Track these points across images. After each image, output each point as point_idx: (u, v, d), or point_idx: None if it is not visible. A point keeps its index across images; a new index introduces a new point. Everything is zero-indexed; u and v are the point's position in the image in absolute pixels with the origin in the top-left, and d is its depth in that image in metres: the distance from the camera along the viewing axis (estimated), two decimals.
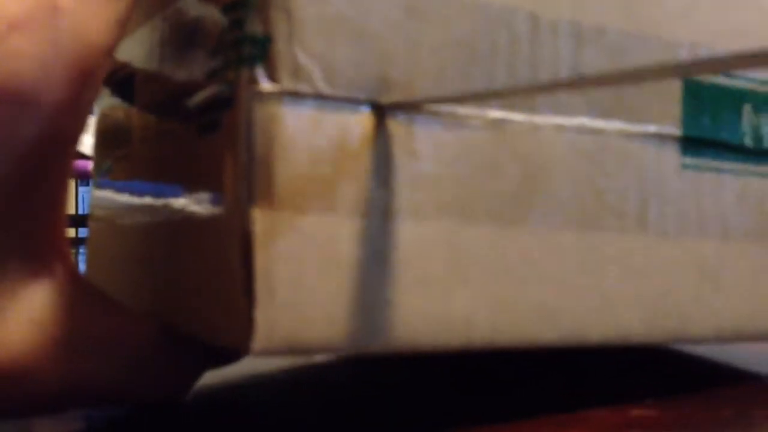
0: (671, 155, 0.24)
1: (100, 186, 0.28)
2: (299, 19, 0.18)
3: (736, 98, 0.25)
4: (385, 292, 0.19)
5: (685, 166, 0.24)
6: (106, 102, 0.28)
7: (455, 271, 0.20)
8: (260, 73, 0.18)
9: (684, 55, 0.24)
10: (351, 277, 0.19)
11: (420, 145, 0.20)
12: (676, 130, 0.24)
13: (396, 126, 0.20)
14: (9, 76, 0.17)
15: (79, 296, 0.20)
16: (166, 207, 0.22)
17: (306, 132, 0.18)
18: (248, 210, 0.18)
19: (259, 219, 0.18)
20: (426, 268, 0.20)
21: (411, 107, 0.20)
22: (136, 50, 0.25)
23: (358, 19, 0.19)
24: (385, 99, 0.19)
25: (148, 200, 0.24)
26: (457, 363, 0.32)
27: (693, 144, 0.24)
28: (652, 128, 0.23)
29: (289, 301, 0.18)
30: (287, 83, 0.18)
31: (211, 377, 0.24)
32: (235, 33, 0.19)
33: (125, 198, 0.25)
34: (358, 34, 0.19)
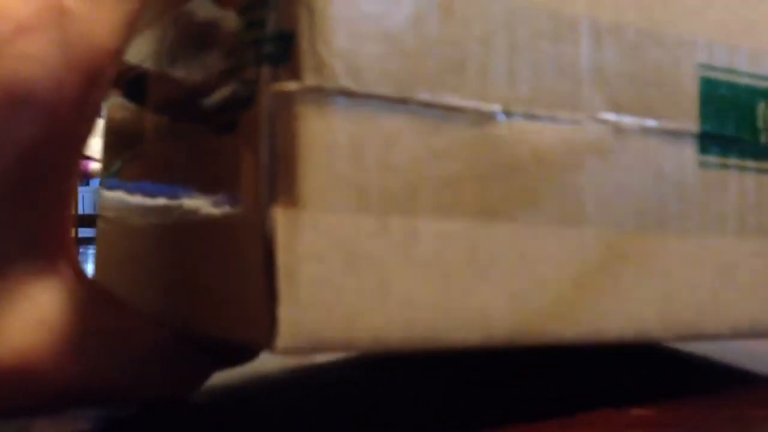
0: (689, 153, 0.24)
1: (109, 186, 0.28)
2: (322, 15, 0.18)
3: (751, 96, 0.25)
4: (406, 289, 0.19)
5: (702, 164, 0.24)
6: (115, 102, 0.28)
7: (475, 268, 0.20)
8: (283, 71, 0.18)
9: (700, 52, 0.24)
10: (373, 275, 0.19)
11: (445, 144, 0.20)
12: (693, 128, 0.24)
13: (421, 124, 0.20)
14: (15, 78, 0.17)
15: (87, 296, 0.20)
16: (179, 208, 0.22)
17: (329, 129, 0.18)
18: (270, 209, 0.18)
19: (281, 218, 0.18)
20: (447, 265, 0.20)
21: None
22: (147, 50, 0.25)
23: (381, 16, 0.19)
24: (410, 95, 0.19)
25: (160, 201, 0.23)
26: (458, 364, 0.32)
27: (710, 142, 0.24)
28: (670, 125, 0.23)
29: (312, 300, 0.18)
30: (311, 80, 0.18)
31: (214, 377, 0.24)
32: (254, 32, 0.19)
33: (136, 198, 0.25)
34: (382, 30, 0.19)
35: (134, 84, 0.26)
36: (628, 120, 0.23)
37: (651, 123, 0.23)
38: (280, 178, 0.18)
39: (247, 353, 0.24)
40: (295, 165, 0.18)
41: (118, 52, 0.19)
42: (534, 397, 0.26)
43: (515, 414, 0.23)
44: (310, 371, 0.31)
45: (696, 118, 0.24)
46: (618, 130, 0.23)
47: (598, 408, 0.24)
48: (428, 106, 0.20)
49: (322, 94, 0.18)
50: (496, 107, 0.21)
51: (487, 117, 0.21)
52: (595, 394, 0.26)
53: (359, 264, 0.19)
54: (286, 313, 0.18)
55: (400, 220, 0.19)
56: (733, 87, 0.25)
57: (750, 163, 0.25)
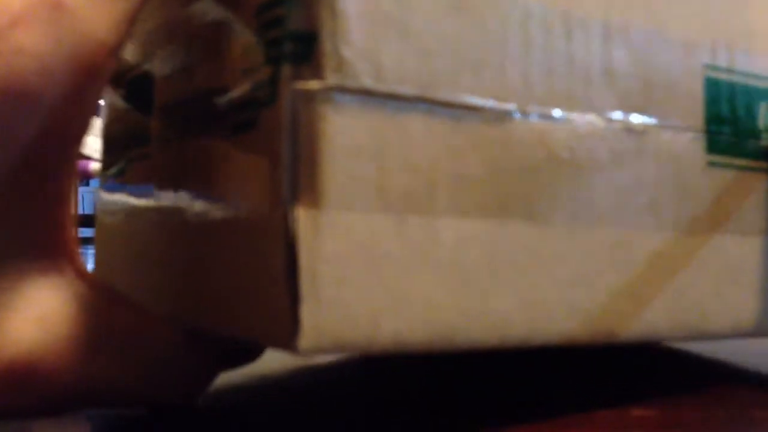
0: (697, 152, 0.24)
1: (110, 186, 0.28)
2: (344, 14, 0.18)
3: (752, 97, 0.26)
4: (426, 290, 0.19)
5: (709, 164, 0.24)
6: (115, 101, 0.28)
7: (493, 269, 0.20)
8: (305, 70, 0.18)
9: (704, 52, 0.25)
10: (393, 275, 0.19)
11: (463, 143, 0.20)
12: (700, 127, 0.24)
13: (439, 123, 0.20)
14: (11, 72, 0.17)
15: (90, 294, 0.20)
16: (189, 209, 0.22)
17: (351, 129, 0.18)
18: (292, 209, 0.18)
19: (303, 218, 0.18)
20: (465, 265, 0.20)
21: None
22: (149, 51, 0.25)
23: (402, 15, 0.19)
24: (429, 94, 0.19)
25: (168, 202, 0.23)
26: (458, 363, 0.32)
27: (715, 141, 0.25)
28: (679, 125, 0.24)
29: (334, 300, 0.18)
30: (333, 79, 0.18)
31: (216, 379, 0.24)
32: (274, 31, 0.19)
33: (141, 199, 0.25)
34: (402, 29, 0.19)
35: (137, 86, 0.26)
36: (638, 120, 0.23)
37: (660, 123, 0.23)
38: (301, 178, 0.18)
39: (251, 354, 0.24)
40: (317, 165, 0.18)
41: (116, 47, 0.19)
42: (534, 397, 0.26)
43: (515, 414, 0.23)
44: (312, 371, 0.31)
45: (702, 117, 0.24)
46: (629, 130, 0.23)
47: (598, 408, 0.24)
48: (446, 105, 0.20)
49: (345, 94, 0.18)
50: (512, 106, 0.21)
51: (504, 116, 0.21)
52: (595, 394, 0.26)
53: (380, 264, 0.19)
54: (308, 314, 0.18)
55: (420, 220, 0.19)
56: (735, 87, 0.25)
57: (754, 164, 0.26)
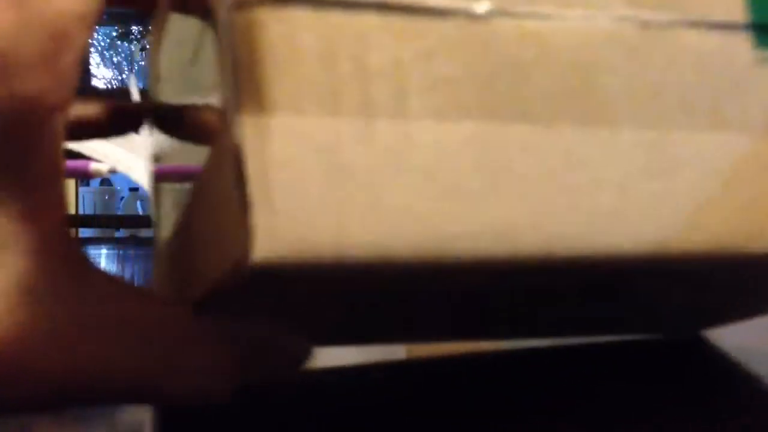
0: (741, 48, 0.21)
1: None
2: None
3: None
4: (403, 199, 0.18)
5: (759, 60, 0.22)
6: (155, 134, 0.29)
7: (484, 174, 0.18)
8: None
9: None
10: (360, 183, 0.17)
11: (433, 45, 0.18)
12: (742, 20, 0.22)
13: (401, 27, 0.18)
14: None
15: (82, 272, 0.19)
16: (184, 188, 0.22)
17: (292, 32, 0.17)
18: (236, 116, 0.17)
19: (249, 123, 0.17)
20: (450, 171, 0.18)
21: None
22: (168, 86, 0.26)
23: None
24: None
25: (176, 193, 0.23)
26: (459, 386, 0.32)
27: (765, 35, 0.22)
28: (711, 19, 0.21)
29: (292, 208, 0.17)
30: None
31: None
32: None
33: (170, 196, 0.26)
34: None
35: (159, 115, 0.27)
36: (655, 15, 0.21)
37: (684, 17, 0.21)
38: (243, 85, 0.17)
39: (285, 365, 0.23)
40: (257, 70, 0.17)
41: (86, 17, 0.19)
42: (535, 418, 0.25)
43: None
44: (312, 371, 0.31)
45: (743, 9, 0.22)
46: (644, 25, 0.20)
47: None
48: (405, 8, 0.18)
49: None
50: (485, 6, 0.19)
51: (478, 17, 0.19)
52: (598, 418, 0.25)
53: (344, 171, 0.17)
54: (261, 221, 0.17)
55: (389, 124, 0.18)
56: None
57: None
